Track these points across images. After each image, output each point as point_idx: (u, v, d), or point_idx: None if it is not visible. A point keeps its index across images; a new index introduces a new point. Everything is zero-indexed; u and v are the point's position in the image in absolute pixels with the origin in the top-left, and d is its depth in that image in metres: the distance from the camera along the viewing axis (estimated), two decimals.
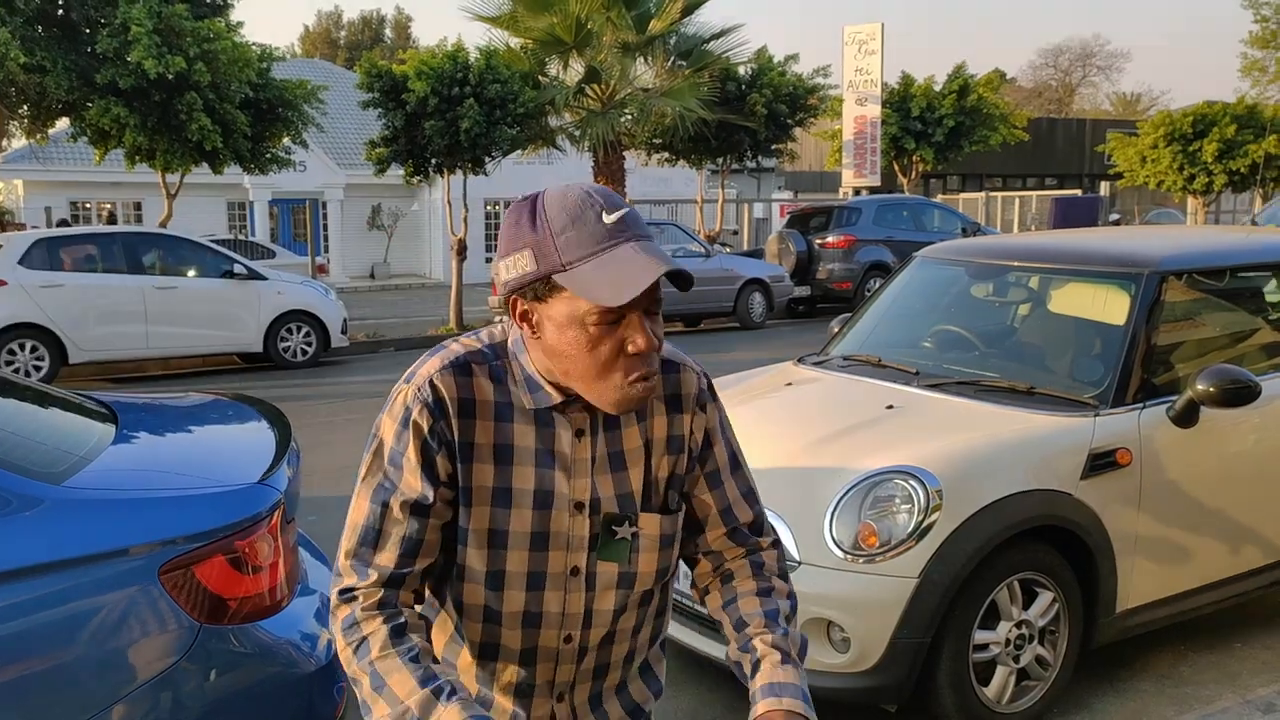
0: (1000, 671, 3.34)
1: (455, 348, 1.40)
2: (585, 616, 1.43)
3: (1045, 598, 3.40)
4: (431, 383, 1.35)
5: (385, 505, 1.35)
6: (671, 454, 1.47)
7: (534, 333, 1.34)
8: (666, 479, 1.47)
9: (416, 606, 1.40)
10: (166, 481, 2.58)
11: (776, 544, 1.58)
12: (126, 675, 2.21)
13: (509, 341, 1.42)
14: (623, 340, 1.29)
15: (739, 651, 1.47)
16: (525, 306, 1.33)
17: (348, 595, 1.35)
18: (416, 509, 1.35)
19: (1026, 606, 3.37)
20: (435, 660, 1.34)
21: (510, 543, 1.38)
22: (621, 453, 1.43)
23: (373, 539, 1.35)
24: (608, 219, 1.27)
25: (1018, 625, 3.34)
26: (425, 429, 1.34)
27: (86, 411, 2.92)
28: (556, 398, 1.37)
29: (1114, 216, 28.48)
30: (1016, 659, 3.36)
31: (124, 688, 2.19)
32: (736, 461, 1.54)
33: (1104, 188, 28.23)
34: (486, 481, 1.37)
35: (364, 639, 1.31)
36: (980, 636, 3.28)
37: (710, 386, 1.52)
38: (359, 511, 1.37)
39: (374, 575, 1.35)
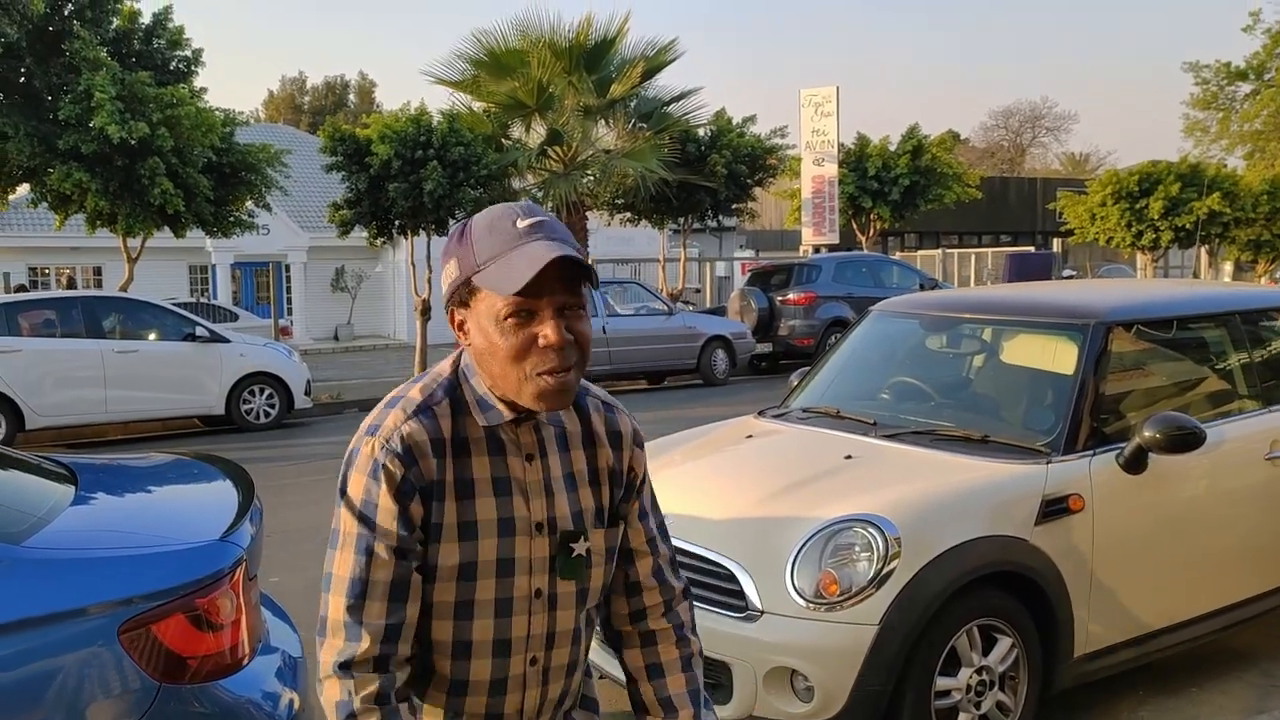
0: (963, 718, 3.37)
1: (413, 395, 1.45)
2: (548, 639, 1.47)
3: (1004, 643, 3.44)
4: (401, 434, 1.40)
5: (369, 553, 1.38)
6: (614, 485, 1.56)
7: (466, 338, 1.42)
8: (610, 504, 1.55)
9: (408, 668, 1.42)
10: (126, 540, 2.57)
11: (687, 592, 1.68)
12: None
13: (461, 367, 1.48)
14: (535, 335, 1.36)
15: None
16: (460, 315, 1.42)
17: (344, 670, 1.36)
18: (400, 553, 1.38)
19: (986, 653, 3.41)
20: None
21: (479, 572, 1.42)
22: (573, 474, 1.50)
23: (360, 590, 1.37)
24: (521, 224, 1.37)
25: (978, 671, 3.38)
26: (398, 477, 1.38)
27: (45, 472, 2.91)
28: (507, 414, 1.43)
29: (1068, 272, 29.10)
30: (978, 705, 3.39)
31: None
32: (655, 501, 1.67)
33: (1056, 244, 28.90)
34: (453, 518, 1.41)
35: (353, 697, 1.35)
36: (942, 683, 3.31)
37: (638, 432, 1.63)
38: (343, 565, 1.39)
39: (367, 639, 1.36)
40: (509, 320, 1.36)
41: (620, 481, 1.57)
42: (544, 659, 1.48)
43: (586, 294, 1.41)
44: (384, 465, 1.38)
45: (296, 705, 2.53)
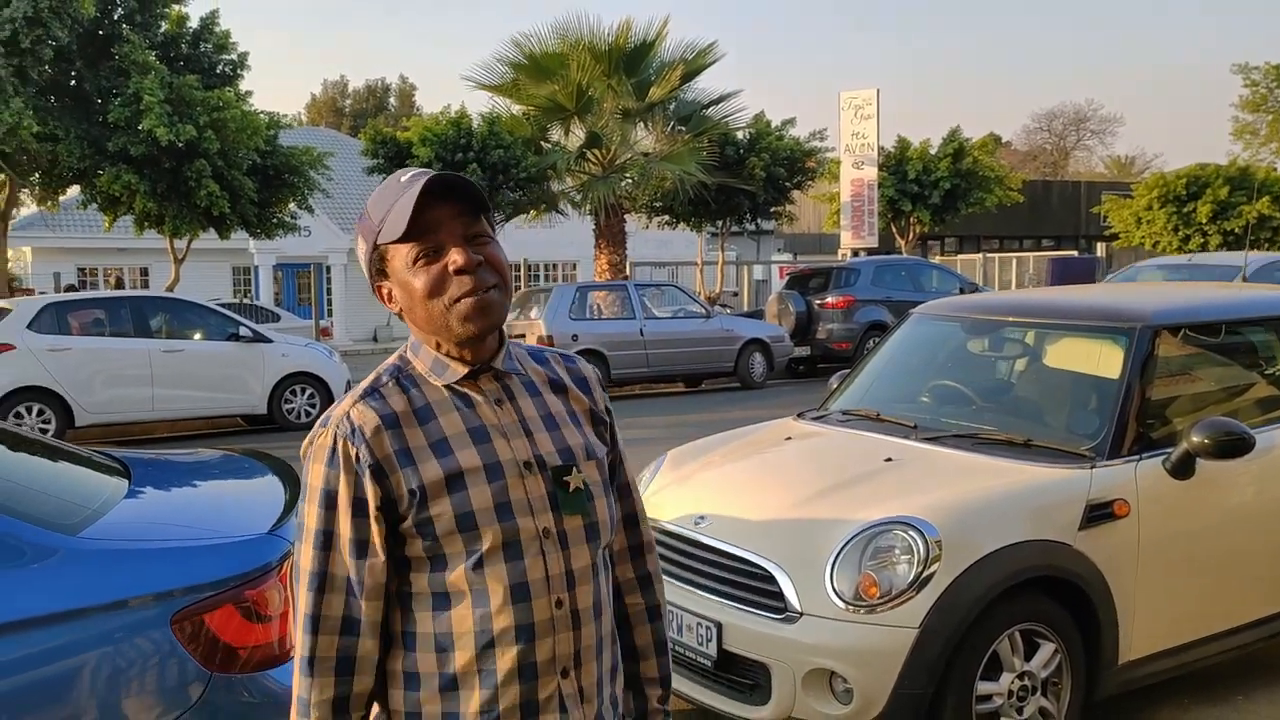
0: None
1: (361, 384, 1.50)
2: (568, 578, 1.46)
3: (1047, 649, 3.41)
4: (348, 416, 1.43)
5: (330, 544, 1.41)
6: (595, 424, 1.60)
7: (395, 305, 1.47)
8: (595, 440, 1.58)
9: (371, 670, 1.44)
10: (178, 533, 2.63)
11: (652, 545, 1.74)
12: None
13: (406, 349, 1.53)
14: (445, 265, 1.41)
15: (627, 679, 1.67)
16: (386, 286, 1.47)
17: (306, 666, 1.41)
18: (358, 545, 1.41)
19: (1028, 658, 3.38)
20: None
21: (480, 521, 1.42)
22: (551, 415, 1.53)
23: (319, 583, 1.41)
24: (404, 179, 1.43)
25: (1020, 677, 3.36)
26: (353, 456, 1.41)
27: (100, 466, 2.98)
28: (462, 369, 1.47)
29: (1112, 276, 28.70)
30: (1020, 710, 3.36)
31: None
32: (623, 453, 1.70)
33: (1100, 249, 28.50)
34: (436, 475, 1.42)
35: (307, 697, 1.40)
36: (983, 688, 3.29)
37: (601, 378, 1.67)
38: (305, 557, 1.42)
39: (326, 634, 1.40)
40: (418, 263, 1.41)
41: (601, 420, 1.61)
42: (569, 600, 1.46)
43: (490, 224, 1.47)
44: (337, 450, 1.41)
45: None
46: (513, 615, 1.42)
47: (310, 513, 1.43)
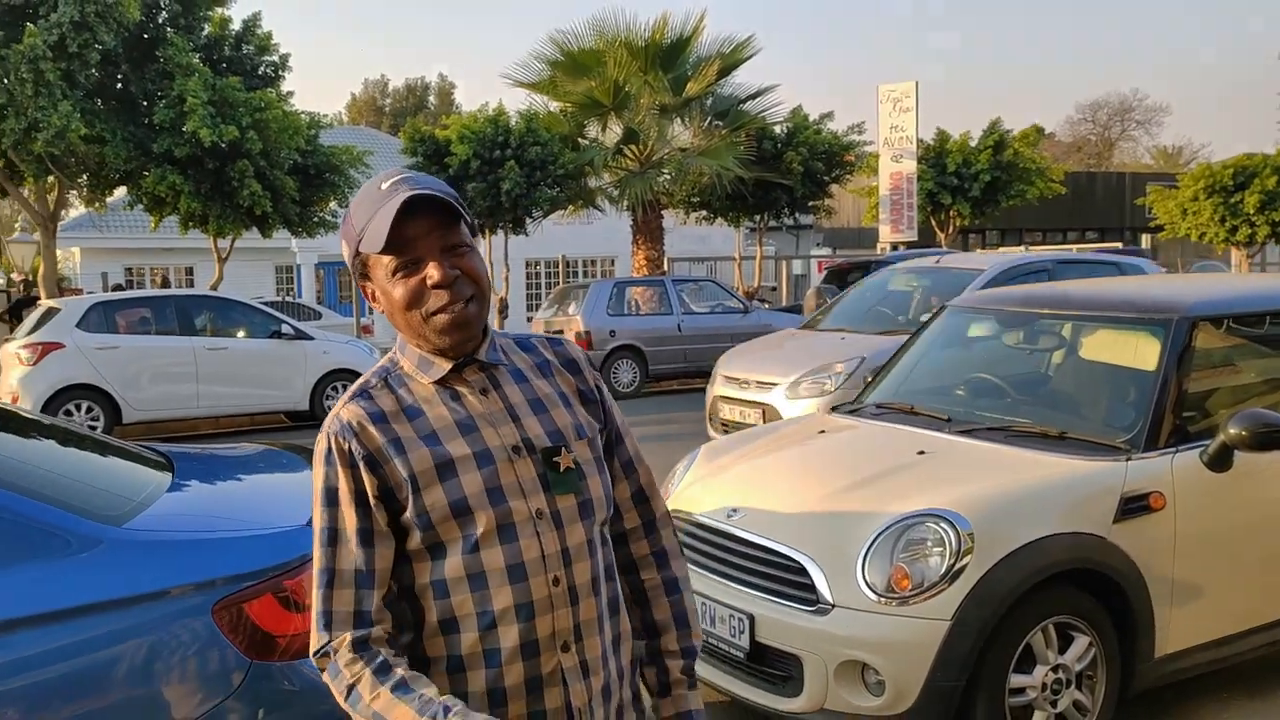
0: (1038, 716, 3.33)
1: (352, 388, 1.55)
2: (563, 555, 1.50)
3: (1081, 642, 3.39)
4: (339, 416, 1.50)
5: (336, 539, 1.46)
6: (586, 403, 1.62)
7: (379, 305, 1.52)
8: (587, 419, 1.61)
9: (391, 643, 1.47)
10: (219, 524, 2.70)
11: (668, 517, 1.75)
12: (182, 710, 2.30)
13: (394, 349, 1.58)
14: (423, 279, 1.45)
15: (649, 655, 1.69)
16: (370, 287, 1.52)
17: (321, 654, 1.45)
18: (362, 535, 1.46)
19: (1063, 651, 3.37)
20: (427, 682, 1.41)
21: (473, 505, 1.46)
22: (539, 399, 1.56)
23: (328, 579, 1.45)
24: (385, 185, 1.46)
25: (1054, 670, 3.34)
26: (346, 450, 1.47)
27: (145, 460, 3.06)
28: (446, 365, 1.51)
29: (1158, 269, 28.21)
30: (1054, 704, 3.35)
31: None
32: (626, 427, 1.71)
33: (1145, 241, 28.05)
34: (427, 463, 1.47)
35: (352, 687, 1.40)
36: (1016, 680, 3.28)
37: (589, 358, 1.70)
38: (318, 557, 1.48)
39: (342, 629, 1.44)
40: (397, 275, 1.46)
41: (592, 398, 1.63)
42: (565, 577, 1.50)
43: (467, 232, 1.50)
44: (331, 448, 1.47)
45: None
46: (511, 595, 1.46)
47: (316, 514, 1.49)
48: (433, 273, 1.44)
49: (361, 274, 1.51)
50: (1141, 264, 9.91)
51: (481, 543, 1.46)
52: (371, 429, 1.47)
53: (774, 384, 7.80)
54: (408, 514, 1.45)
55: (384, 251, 1.44)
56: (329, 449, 1.48)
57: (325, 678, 1.45)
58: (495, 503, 1.47)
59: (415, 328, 1.48)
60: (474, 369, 1.54)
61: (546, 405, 1.56)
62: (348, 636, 1.43)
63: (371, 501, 1.46)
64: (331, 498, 1.47)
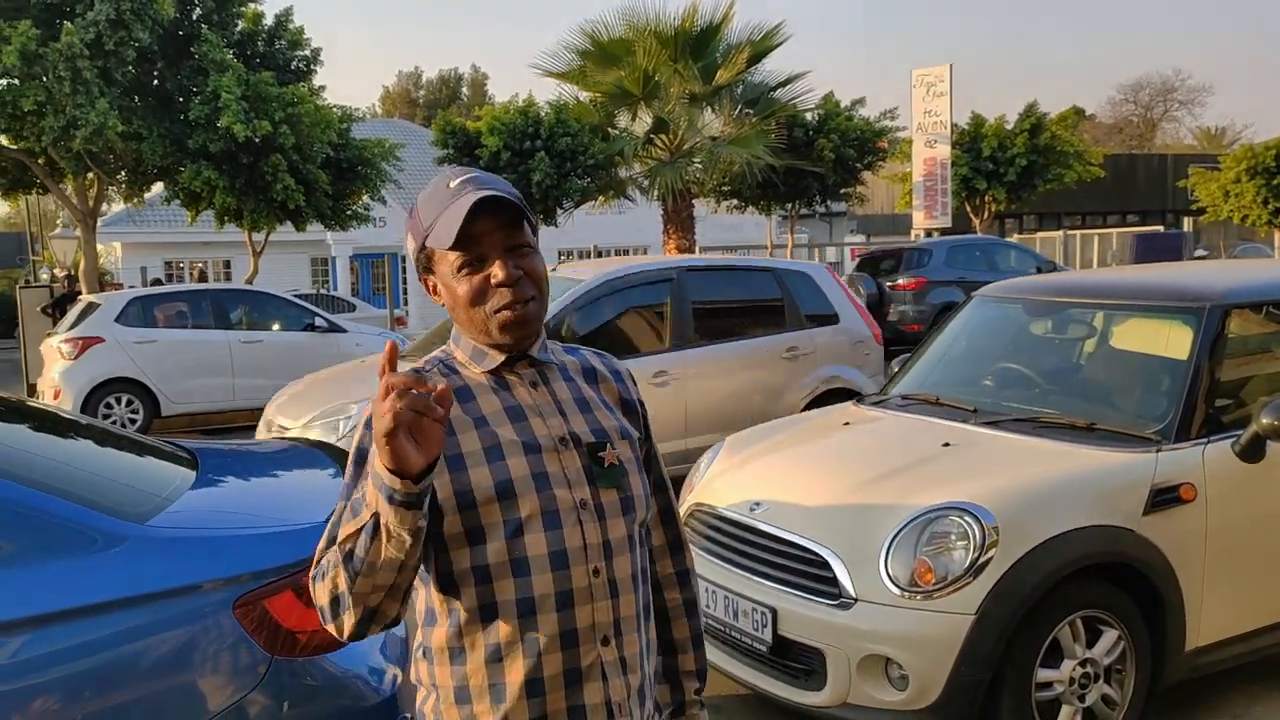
0: (1065, 710, 3.30)
1: (406, 369, 1.53)
2: (605, 547, 1.51)
3: (1110, 636, 3.35)
4: None
5: (355, 488, 1.44)
6: (629, 413, 1.65)
7: (440, 299, 1.54)
8: (629, 424, 1.63)
9: None
10: (241, 520, 2.73)
11: (686, 541, 1.78)
12: (203, 704, 2.33)
13: (450, 339, 1.61)
14: (487, 277, 1.48)
15: (664, 673, 1.72)
16: (432, 281, 1.55)
17: (315, 563, 1.45)
18: None
19: (1090, 645, 3.33)
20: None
21: (518, 489, 1.47)
22: (584, 399, 1.59)
23: (339, 512, 1.43)
24: (454, 184, 1.48)
25: (1082, 664, 3.30)
26: None
27: (170, 456, 3.10)
28: (499, 357, 1.54)
29: (1200, 252, 27.77)
30: (1082, 698, 3.32)
31: (201, 717, 2.32)
32: (657, 449, 1.73)
33: (1187, 223, 27.59)
34: (474, 445, 1.48)
35: (322, 560, 1.42)
36: (1043, 675, 3.25)
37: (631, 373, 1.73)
38: (336, 511, 1.45)
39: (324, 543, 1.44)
40: (462, 271, 1.48)
41: (634, 410, 1.65)
42: (605, 569, 1.51)
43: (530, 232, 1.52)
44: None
45: (399, 680, 2.65)
46: (552, 582, 1.46)
47: (347, 474, 1.48)
48: (498, 272, 1.47)
49: (425, 268, 1.54)
50: (810, 269, 8.14)
51: (525, 527, 1.47)
52: None
53: (287, 427, 6.74)
54: (444, 494, 1.45)
55: (451, 248, 1.46)
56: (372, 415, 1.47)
57: (309, 581, 1.46)
58: (540, 488, 1.48)
59: (477, 323, 1.51)
60: (525, 364, 1.57)
61: (591, 406, 1.59)
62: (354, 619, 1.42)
63: None
64: (362, 457, 1.46)
